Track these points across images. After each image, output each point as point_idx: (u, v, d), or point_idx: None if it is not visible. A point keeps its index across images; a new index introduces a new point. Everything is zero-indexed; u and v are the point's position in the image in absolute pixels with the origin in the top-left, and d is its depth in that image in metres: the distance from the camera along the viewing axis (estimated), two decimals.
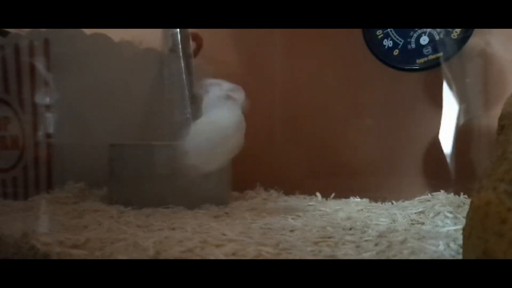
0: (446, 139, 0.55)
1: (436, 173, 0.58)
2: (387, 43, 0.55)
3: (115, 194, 0.53)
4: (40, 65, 0.57)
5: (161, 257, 0.29)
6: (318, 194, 0.60)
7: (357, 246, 0.32)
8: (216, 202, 0.53)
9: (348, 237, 0.35)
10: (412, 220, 0.43)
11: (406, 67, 0.54)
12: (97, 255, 0.30)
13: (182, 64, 0.55)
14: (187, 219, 0.43)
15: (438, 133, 0.56)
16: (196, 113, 0.52)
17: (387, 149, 0.62)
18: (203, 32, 0.76)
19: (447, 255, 0.30)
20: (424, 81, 0.60)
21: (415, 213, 0.45)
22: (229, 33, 0.76)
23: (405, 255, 0.30)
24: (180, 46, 0.56)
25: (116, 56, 0.62)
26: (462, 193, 0.50)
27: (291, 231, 0.39)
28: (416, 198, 0.52)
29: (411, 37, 0.53)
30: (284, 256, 0.30)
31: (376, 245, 0.32)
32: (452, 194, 0.50)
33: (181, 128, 0.47)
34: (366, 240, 0.34)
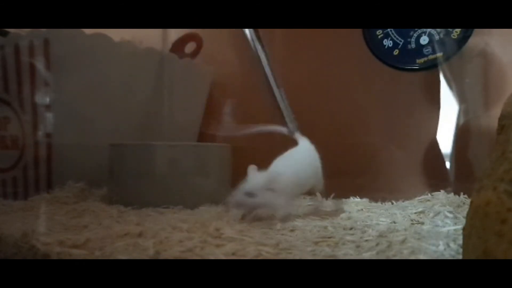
0: (446, 139, 0.55)
1: (436, 173, 0.58)
2: (387, 43, 0.55)
3: (115, 194, 0.53)
4: (40, 65, 0.57)
5: (161, 257, 0.29)
6: (318, 194, 0.60)
7: (357, 246, 0.32)
8: (216, 202, 0.53)
9: (348, 237, 0.35)
10: (412, 220, 0.43)
11: (406, 67, 0.54)
12: (97, 255, 0.30)
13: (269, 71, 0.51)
14: (187, 219, 0.43)
15: (438, 133, 0.56)
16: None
17: (387, 149, 0.62)
18: (203, 32, 0.76)
19: (447, 255, 0.30)
20: (424, 81, 0.60)
21: (415, 213, 0.45)
22: (229, 33, 0.76)
23: (405, 255, 0.30)
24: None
25: (116, 56, 0.62)
26: (462, 193, 0.50)
27: (291, 230, 0.39)
28: (416, 198, 0.52)
29: (411, 37, 0.53)
30: (284, 256, 0.30)
31: (376, 245, 0.32)
32: (452, 194, 0.50)
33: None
34: (366, 240, 0.34)
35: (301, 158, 0.48)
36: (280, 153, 0.48)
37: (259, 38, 0.51)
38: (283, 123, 0.52)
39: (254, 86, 0.73)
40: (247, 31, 0.51)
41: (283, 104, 0.52)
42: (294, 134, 0.51)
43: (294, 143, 0.50)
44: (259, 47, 0.51)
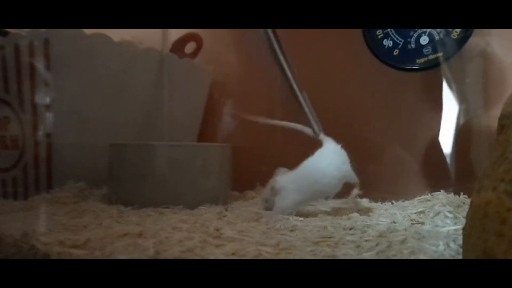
0: (446, 139, 0.55)
1: (436, 173, 0.58)
2: (387, 43, 0.55)
3: (115, 194, 0.53)
4: (40, 65, 0.57)
5: (161, 257, 0.29)
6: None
7: (357, 246, 0.32)
8: (216, 202, 0.53)
9: (348, 237, 0.35)
10: (412, 220, 0.43)
11: (406, 67, 0.54)
12: (97, 255, 0.30)
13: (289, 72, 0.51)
14: (187, 219, 0.43)
15: (438, 133, 0.56)
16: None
17: (387, 149, 0.62)
18: (203, 32, 0.76)
19: (447, 255, 0.30)
20: (424, 81, 0.60)
21: (415, 213, 0.45)
22: (229, 33, 0.76)
23: (405, 255, 0.30)
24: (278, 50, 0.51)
25: (116, 56, 0.62)
26: (462, 193, 0.50)
27: (291, 230, 0.39)
28: (416, 198, 0.52)
29: (411, 37, 0.53)
30: (284, 256, 0.30)
31: (376, 245, 0.32)
32: (452, 194, 0.50)
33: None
34: (366, 240, 0.34)
35: (318, 169, 0.48)
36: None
37: (278, 40, 0.51)
38: (307, 124, 0.53)
39: (254, 86, 0.73)
40: (263, 33, 0.51)
41: (306, 106, 0.52)
42: (319, 136, 0.52)
43: (318, 144, 0.51)
44: (278, 50, 0.51)
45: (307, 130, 0.52)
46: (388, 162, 0.62)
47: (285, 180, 0.48)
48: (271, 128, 0.59)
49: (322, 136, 0.51)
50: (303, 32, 0.66)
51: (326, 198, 0.57)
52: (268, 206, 0.48)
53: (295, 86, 0.51)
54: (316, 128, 0.52)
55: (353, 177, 0.49)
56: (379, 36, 0.55)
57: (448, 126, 0.55)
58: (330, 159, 0.49)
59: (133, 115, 0.66)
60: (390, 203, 0.54)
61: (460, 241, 0.29)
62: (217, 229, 0.37)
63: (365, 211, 0.49)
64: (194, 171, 0.54)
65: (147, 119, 0.68)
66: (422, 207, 0.46)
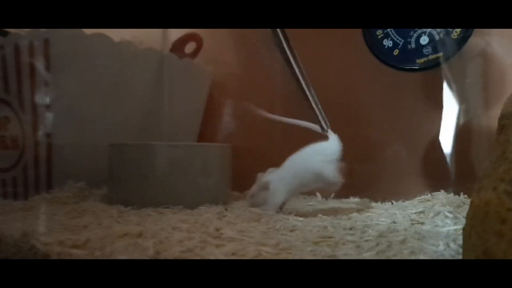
0: (446, 139, 0.55)
1: (436, 173, 0.58)
2: (387, 43, 0.55)
3: (115, 194, 0.53)
4: (40, 65, 0.57)
5: (161, 257, 0.29)
6: (318, 194, 0.60)
7: (357, 246, 0.32)
8: (216, 202, 0.53)
9: (348, 237, 0.35)
10: (412, 220, 0.43)
11: (406, 67, 0.54)
12: (97, 255, 0.30)
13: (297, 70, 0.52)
14: (187, 219, 0.43)
15: (438, 133, 0.56)
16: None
17: (387, 149, 0.62)
18: (203, 32, 0.76)
19: (447, 255, 0.30)
20: (424, 81, 0.60)
21: (415, 213, 0.45)
22: (229, 33, 0.76)
23: (405, 255, 0.30)
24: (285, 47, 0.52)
25: (116, 56, 0.62)
26: (462, 193, 0.50)
27: (291, 230, 0.39)
28: (416, 198, 0.52)
29: (411, 37, 0.53)
30: (284, 256, 0.30)
31: (376, 245, 0.32)
32: (452, 194, 0.50)
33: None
34: (366, 240, 0.34)
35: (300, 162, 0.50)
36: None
37: (286, 37, 0.51)
38: (314, 122, 0.53)
39: (254, 86, 0.73)
40: (271, 30, 0.51)
41: (314, 102, 0.52)
42: (327, 132, 0.52)
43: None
44: (286, 45, 0.51)
45: (315, 127, 0.53)
46: (388, 162, 0.62)
47: (272, 175, 0.49)
48: (271, 128, 0.59)
49: (329, 133, 0.52)
50: (302, 32, 0.66)
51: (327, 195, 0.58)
52: (253, 201, 0.49)
53: (303, 82, 0.52)
54: (324, 124, 0.52)
55: (330, 177, 0.49)
56: (379, 36, 0.55)
57: (448, 126, 0.55)
58: (309, 155, 0.50)
59: (133, 115, 0.66)
60: (390, 203, 0.54)
61: (460, 241, 0.29)
62: (217, 229, 0.37)
63: (365, 211, 0.49)
64: (194, 171, 0.54)
65: (147, 119, 0.68)
66: (422, 207, 0.46)
